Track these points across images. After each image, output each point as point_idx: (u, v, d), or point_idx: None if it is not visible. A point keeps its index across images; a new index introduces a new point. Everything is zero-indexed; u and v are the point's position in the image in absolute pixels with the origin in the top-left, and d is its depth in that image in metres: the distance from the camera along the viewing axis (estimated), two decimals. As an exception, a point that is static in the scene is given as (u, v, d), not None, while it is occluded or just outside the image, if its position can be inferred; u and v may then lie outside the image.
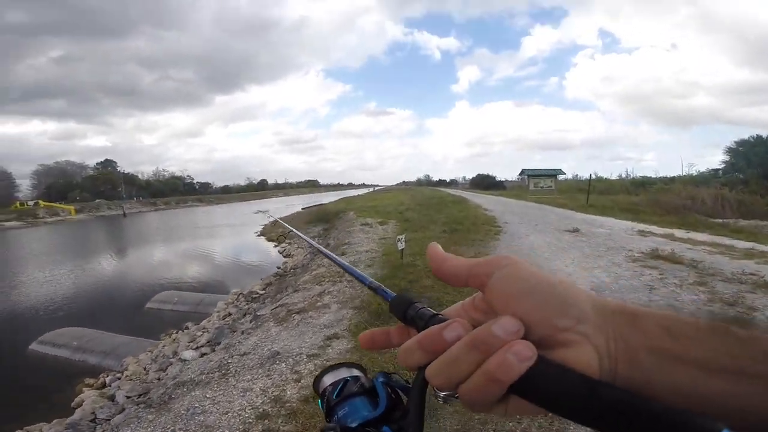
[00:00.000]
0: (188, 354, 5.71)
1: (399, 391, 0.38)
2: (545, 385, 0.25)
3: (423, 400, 0.31)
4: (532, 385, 0.25)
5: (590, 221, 11.77)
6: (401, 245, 6.24)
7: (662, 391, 0.24)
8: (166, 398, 3.40)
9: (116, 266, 16.79)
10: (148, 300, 10.32)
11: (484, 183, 66.11)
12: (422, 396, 0.31)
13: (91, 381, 6.05)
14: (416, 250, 7.01)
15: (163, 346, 6.68)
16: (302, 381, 3.19)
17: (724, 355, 0.24)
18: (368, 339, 0.36)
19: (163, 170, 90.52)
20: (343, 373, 0.43)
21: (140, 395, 4.68)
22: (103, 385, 5.83)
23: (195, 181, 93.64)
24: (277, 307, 5.67)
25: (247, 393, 3.15)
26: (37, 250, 24.43)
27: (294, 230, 1.30)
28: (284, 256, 16.23)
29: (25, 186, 68.81)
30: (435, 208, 17.63)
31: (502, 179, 69.71)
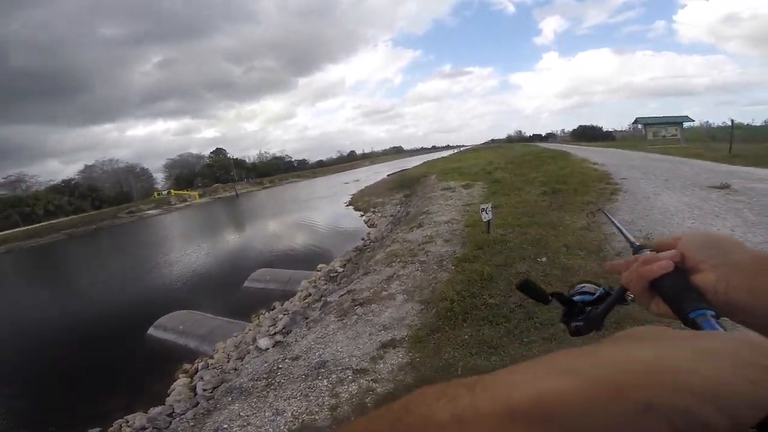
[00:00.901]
0: (263, 342, 5.54)
1: (610, 293, 0.55)
2: (667, 285, 0.41)
3: (618, 297, 0.51)
4: (661, 285, 0.41)
5: (743, 174, 8.57)
6: (487, 215, 5.04)
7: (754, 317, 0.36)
8: (211, 407, 3.09)
9: (225, 244, 18.55)
10: (246, 278, 10.92)
11: (589, 134, 57.62)
12: (619, 294, 0.50)
13: (187, 367, 6.36)
14: (508, 220, 5.74)
15: (248, 330, 6.75)
16: (338, 410, 2.49)
17: None
18: (610, 267, 0.51)
19: (265, 152, 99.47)
20: (589, 286, 0.60)
21: (213, 389, 4.62)
22: (195, 372, 6.05)
23: (293, 159, 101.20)
24: (344, 294, 5.09)
25: (278, 417, 2.60)
26: (169, 234, 28.77)
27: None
28: (369, 226, 16.03)
29: (159, 178, 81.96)
30: (530, 166, 15.29)
31: (610, 129, 60.67)
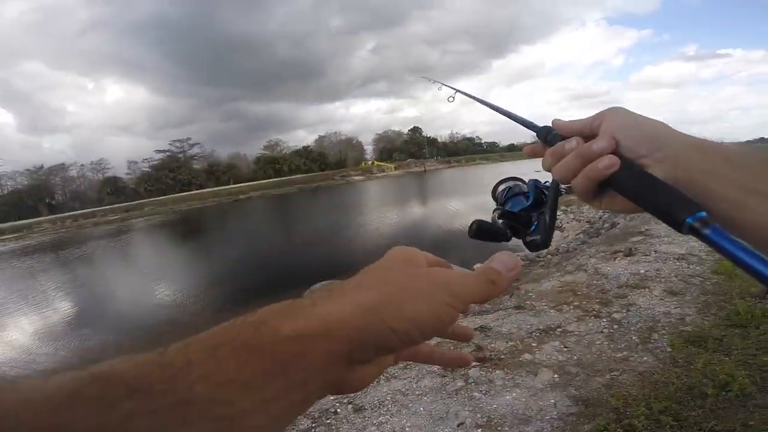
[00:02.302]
0: None
1: (544, 190, 0.52)
2: (629, 183, 0.37)
3: (556, 193, 0.49)
4: (619, 182, 0.38)
5: None
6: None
7: (712, 204, 0.34)
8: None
9: (397, 219, 19.06)
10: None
11: None
12: (556, 190, 0.49)
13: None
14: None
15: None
16: None
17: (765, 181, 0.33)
18: (530, 150, 0.49)
19: (456, 133, 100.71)
20: (511, 183, 0.57)
21: None
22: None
23: (483, 141, 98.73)
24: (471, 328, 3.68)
25: None
26: (364, 199, 32.34)
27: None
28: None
29: (369, 150, 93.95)
30: None
31: None
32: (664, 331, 2.80)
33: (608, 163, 0.38)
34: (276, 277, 10.86)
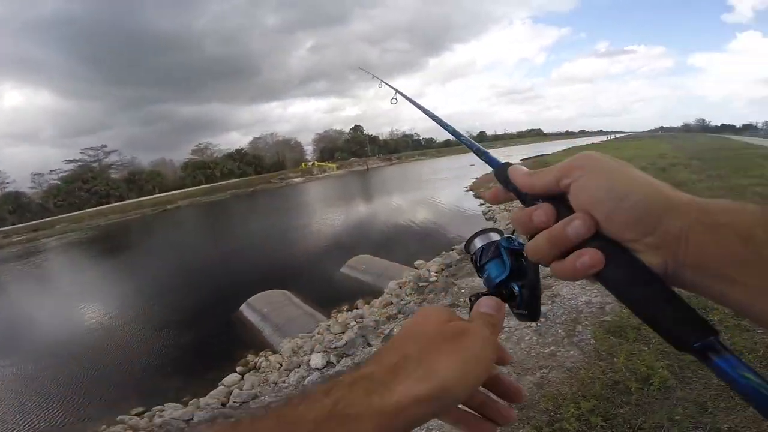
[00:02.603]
0: (316, 360, 4.53)
1: (521, 253, 0.42)
2: (612, 276, 0.30)
3: (536, 266, 0.40)
4: (599, 276, 0.31)
5: None
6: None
7: (719, 294, 0.27)
8: None
9: (342, 219, 18.69)
10: (344, 263, 10.33)
11: None
12: (538, 285, 0.41)
13: (251, 357, 5.87)
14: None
15: (316, 333, 5.87)
16: None
17: None
18: (493, 197, 0.43)
19: (396, 130, 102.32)
20: (486, 239, 0.47)
21: (242, 403, 3.84)
22: (252, 368, 5.48)
23: (421, 138, 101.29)
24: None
25: None
26: (303, 201, 31.41)
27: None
28: (486, 219, 13.84)
29: (309, 150, 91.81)
30: (729, 166, 10.46)
31: None
32: (587, 322, 2.82)
33: (590, 263, 0.31)
34: (211, 292, 10.07)
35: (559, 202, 0.34)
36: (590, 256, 0.31)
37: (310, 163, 73.68)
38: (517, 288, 0.42)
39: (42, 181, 60.31)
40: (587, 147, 30.38)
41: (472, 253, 0.48)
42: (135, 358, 6.99)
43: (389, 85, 0.92)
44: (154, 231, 28.05)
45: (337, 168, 66.20)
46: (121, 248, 21.88)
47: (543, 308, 3.23)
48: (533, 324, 3.03)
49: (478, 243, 0.47)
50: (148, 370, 6.46)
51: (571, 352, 2.59)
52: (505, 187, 0.40)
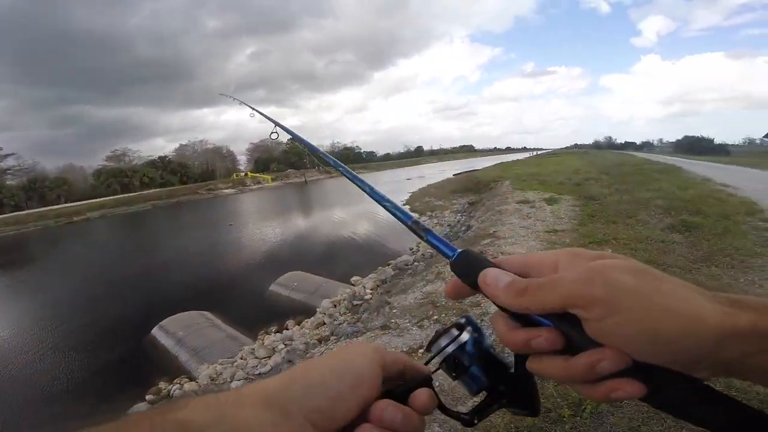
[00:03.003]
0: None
1: (495, 357, 0.37)
2: (659, 400, 0.27)
3: (533, 380, 0.35)
4: (644, 398, 0.28)
5: None
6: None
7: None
8: None
9: (273, 233, 17.82)
10: (275, 280, 9.75)
11: (696, 147, 48.02)
12: (531, 378, 0.34)
13: (164, 385, 5.20)
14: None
15: (239, 357, 5.35)
16: None
17: None
18: (452, 291, 0.37)
19: (338, 143, 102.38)
20: (451, 342, 0.38)
21: None
22: (166, 395, 4.83)
23: (362, 151, 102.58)
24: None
25: None
26: (232, 213, 29.56)
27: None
28: (422, 233, 14.12)
29: (243, 160, 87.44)
30: (634, 180, 11.93)
31: (721, 142, 51.12)
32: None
33: (628, 394, 0.27)
34: (122, 313, 8.89)
35: (565, 323, 0.29)
36: (628, 389, 0.27)
37: (243, 174, 70.24)
38: (504, 388, 0.36)
39: None
40: (513, 163, 33.03)
41: (439, 360, 0.39)
42: (33, 384, 5.98)
43: (266, 116, 0.83)
44: (58, 245, 24.41)
45: (273, 179, 63.87)
46: (17, 263, 18.67)
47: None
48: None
49: (444, 346, 0.38)
50: (47, 397, 5.53)
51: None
52: (470, 287, 0.34)
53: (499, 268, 0.34)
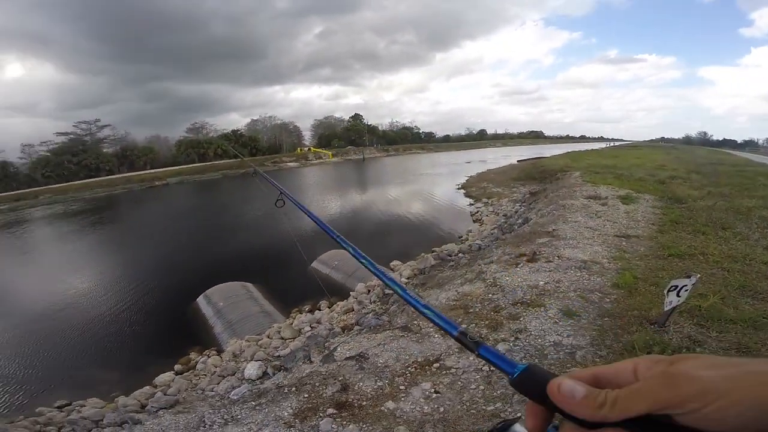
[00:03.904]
0: (251, 370, 3.94)
1: None
2: None
3: None
4: None
5: None
6: (675, 300, 2.16)
7: None
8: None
9: (324, 207, 17.98)
10: (317, 257, 9.76)
11: None
12: None
13: (194, 355, 5.34)
14: (711, 297, 2.68)
15: (266, 335, 5.30)
16: None
17: None
18: (535, 427, 0.35)
19: (397, 122, 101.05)
20: None
21: (159, 410, 3.34)
22: (192, 368, 4.93)
23: (421, 131, 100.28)
24: (354, 356, 2.94)
25: None
26: (293, 186, 30.63)
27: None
28: (473, 221, 13.29)
29: (308, 136, 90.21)
30: (734, 184, 9.89)
31: None
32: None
33: None
34: (176, 277, 9.54)
35: (651, 426, 0.28)
36: None
37: (307, 149, 72.49)
38: None
39: (32, 152, 58.76)
40: (585, 153, 30.00)
41: None
42: (84, 342, 6.54)
43: (273, 183, 1.00)
44: (138, 207, 27.26)
45: (333, 155, 65.19)
46: (101, 222, 21.11)
47: (503, 346, 2.66)
48: (486, 366, 2.46)
49: None
50: (91, 356, 6.03)
51: (519, 414, 2.05)
52: (541, 405, 0.34)
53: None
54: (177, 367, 4.99)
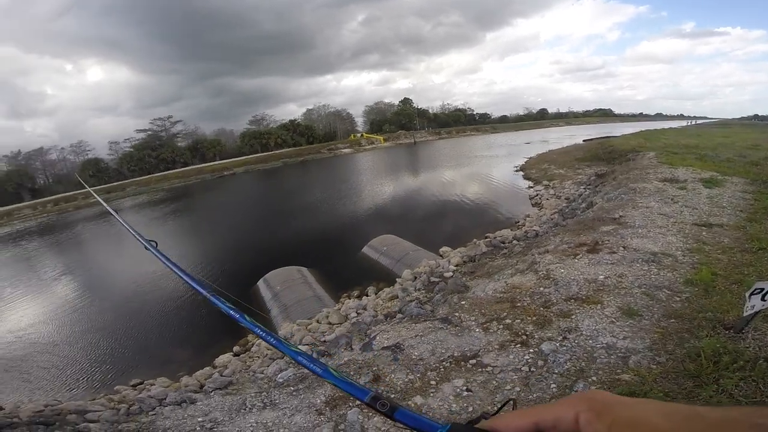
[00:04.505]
0: (284, 369, 4.10)
1: None
2: None
3: None
4: None
5: None
6: (760, 304, 1.84)
7: None
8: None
9: (375, 192, 18.09)
10: (368, 241, 9.89)
11: None
12: None
13: (252, 338, 5.69)
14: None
15: (316, 320, 5.51)
16: None
17: None
18: None
19: (448, 104, 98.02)
20: None
21: (215, 390, 3.60)
22: (248, 350, 5.28)
23: (475, 113, 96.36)
24: (391, 346, 2.94)
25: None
26: (348, 171, 31.27)
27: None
28: (532, 204, 12.55)
29: (360, 122, 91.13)
30: None
31: None
32: (594, 378, 2.04)
33: None
34: (243, 259, 10.27)
35: None
36: None
37: (359, 135, 73.32)
38: None
39: (118, 148, 66.41)
40: (661, 132, 26.73)
41: None
42: (163, 322, 7.28)
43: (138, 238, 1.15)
44: (210, 195, 29.66)
45: (384, 140, 65.28)
46: (179, 211, 23.32)
47: (547, 345, 2.47)
48: (525, 367, 2.31)
49: None
50: (168, 336, 6.69)
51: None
52: None
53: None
54: (235, 348, 5.37)
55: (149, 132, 68.71)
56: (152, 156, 61.70)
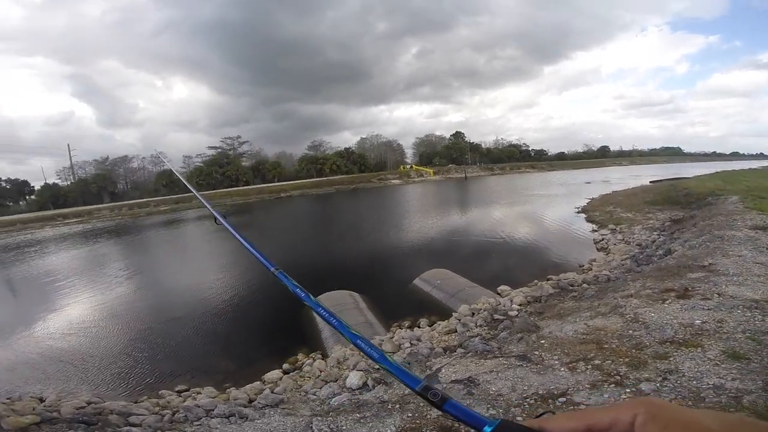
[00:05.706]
0: (353, 379, 4.02)
1: None
2: None
3: None
4: None
5: None
6: None
7: None
8: None
9: (427, 227, 18.03)
10: (420, 274, 9.74)
11: None
12: None
13: (302, 357, 5.70)
14: None
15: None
16: None
17: None
18: None
19: (502, 139, 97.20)
20: None
21: (264, 407, 3.53)
22: (299, 368, 5.27)
23: (530, 149, 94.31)
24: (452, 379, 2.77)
25: None
26: (396, 204, 31.64)
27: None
28: (597, 249, 11.72)
29: (410, 153, 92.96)
30: None
31: None
32: None
33: None
34: (299, 278, 10.49)
35: None
36: None
37: (409, 166, 74.41)
38: None
39: (190, 162, 73.01)
40: (740, 173, 24.25)
41: None
42: (211, 331, 7.50)
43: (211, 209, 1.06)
44: (268, 214, 31.30)
45: (434, 173, 65.55)
46: (240, 225, 24.74)
47: (646, 385, 2.20)
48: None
49: None
50: (215, 345, 6.82)
51: None
52: None
53: None
54: (285, 366, 5.35)
55: (219, 149, 74.95)
56: (219, 172, 66.90)
